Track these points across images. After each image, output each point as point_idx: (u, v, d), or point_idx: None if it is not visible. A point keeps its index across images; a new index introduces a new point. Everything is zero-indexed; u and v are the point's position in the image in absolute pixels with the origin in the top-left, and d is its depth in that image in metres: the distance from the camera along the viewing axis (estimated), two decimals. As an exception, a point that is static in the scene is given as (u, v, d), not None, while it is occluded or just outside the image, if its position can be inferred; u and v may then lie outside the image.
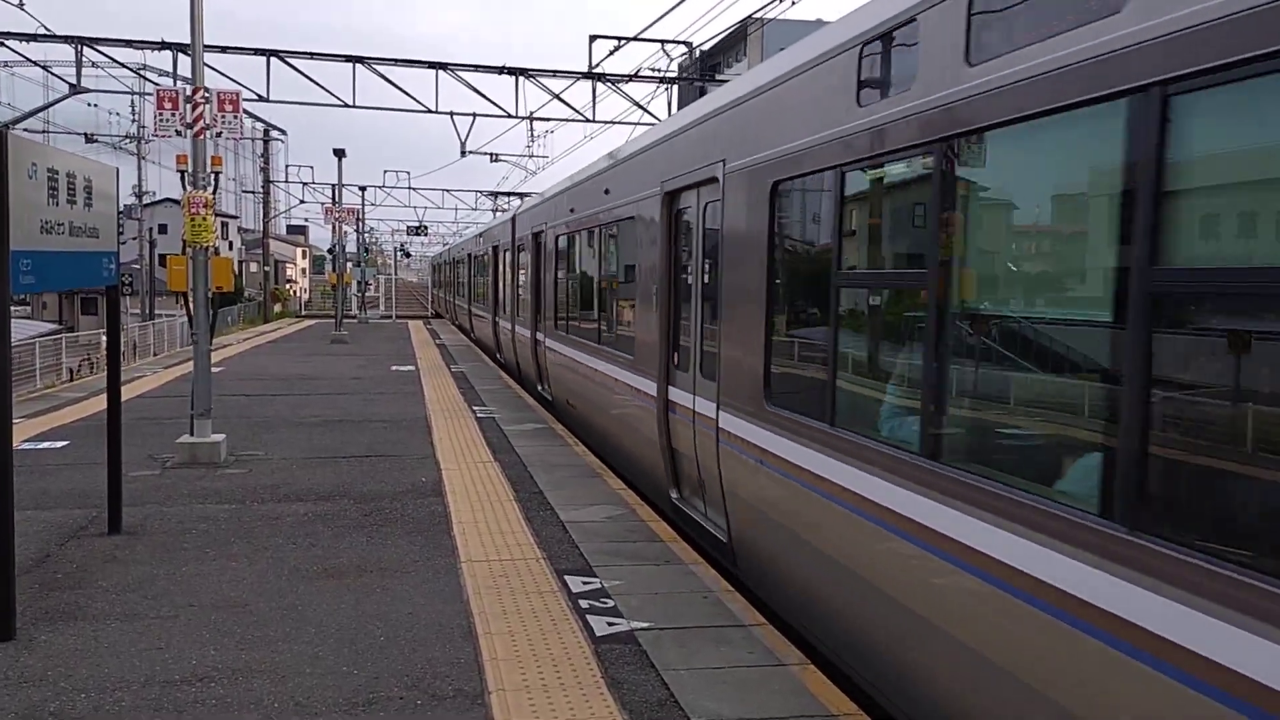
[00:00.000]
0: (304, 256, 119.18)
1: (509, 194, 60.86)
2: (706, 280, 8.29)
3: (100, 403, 15.60)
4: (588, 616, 6.43)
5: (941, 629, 4.56)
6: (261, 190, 54.60)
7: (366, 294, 54.27)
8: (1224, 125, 3.35)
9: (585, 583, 7.13)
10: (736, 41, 43.04)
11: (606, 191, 12.01)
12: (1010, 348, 4.48)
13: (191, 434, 11.62)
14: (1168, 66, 3.31)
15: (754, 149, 7.02)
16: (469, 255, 34.95)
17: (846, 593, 5.61)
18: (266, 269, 56.23)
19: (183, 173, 11.20)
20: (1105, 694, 3.55)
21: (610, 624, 6.29)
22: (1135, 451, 3.49)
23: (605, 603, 6.70)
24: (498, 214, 45.02)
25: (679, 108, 26.83)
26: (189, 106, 11.10)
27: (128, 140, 45.64)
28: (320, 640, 6.05)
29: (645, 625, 6.26)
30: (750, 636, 6.09)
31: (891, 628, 5.08)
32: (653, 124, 25.66)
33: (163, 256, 56.18)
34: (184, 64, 24.11)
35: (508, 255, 22.71)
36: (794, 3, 16.85)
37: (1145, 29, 3.41)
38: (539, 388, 17.67)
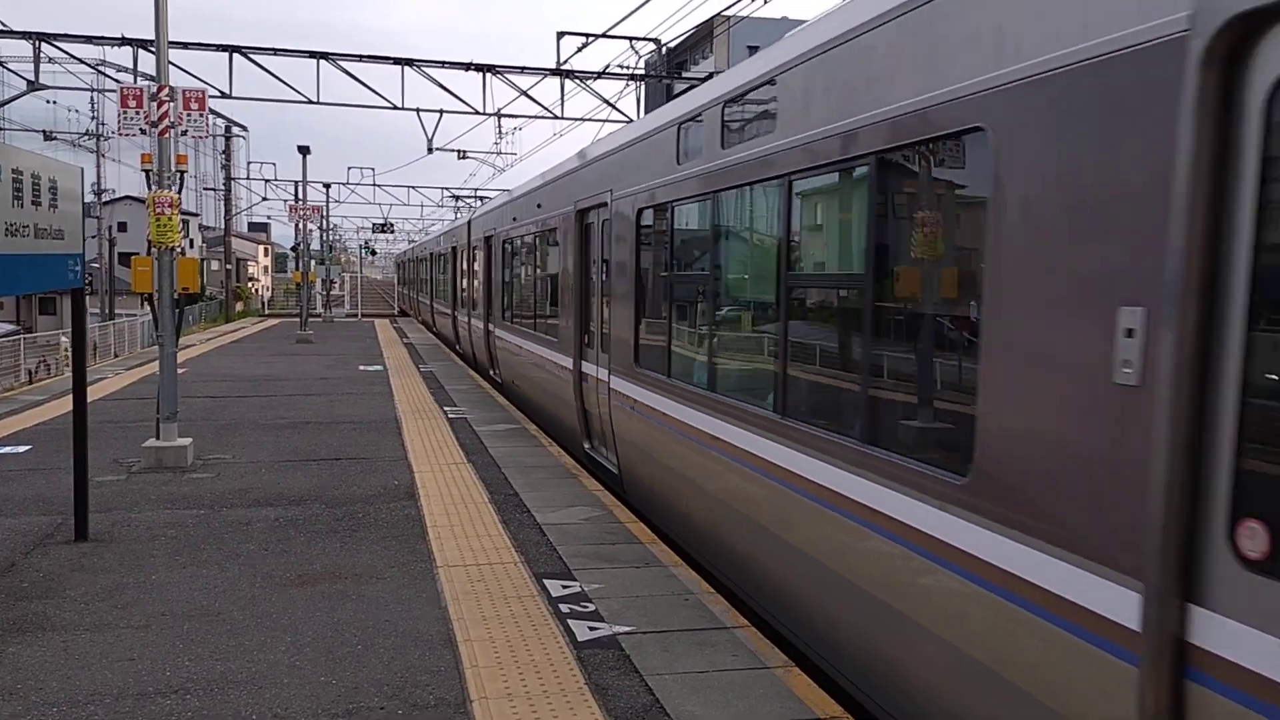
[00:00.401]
0: (266, 254, 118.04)
1: (474, 192, 60.63)
2: (603, 279, 10.73)
3: (62, 406, 15.34)
4: (569, 621, 6.36)
5: (755, 520, 6.60)
6: (223, 188, 53.98)
7: (331, 292, 53.79)
8: (814, 195, 6.19)
9: (565, 586, 7.06)
10: (703, 38, 43.06)
11: (539, 205, 14.50)
12: (736, 321, 7.46)
13: (157, 438, 11.43)
14: (791, 163, 6.03)
15: (627, 184, 9.66)
16: (431, 254, 37.42)
17: (695, 500, 7.83)
18: (228, 267, 55.61)
19: (147, 171, 10.99)
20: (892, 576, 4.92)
21: (592, 628, 6.23)
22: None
23: (586, 606, 6.64)
24: (459, 214, 46.57)
25: (647, 105, 26.78)
26: (154, 104, 10.90)
27: (87, 137, 44.94)
28: (297, 649, 5.94)
29: (627, 629, 6.20)
30: (734, 639, 6.05)
31: (725, 524, 7.21)
32: (621, 121, 25.65)
33: (123, 255, 55.46)
34: (144, 60, 23.85)
35: (464, 255, 25.15)
36: (765, 1, 16.82)
37: (781, 143, 6.14)
38: (490, 372, 20.28)
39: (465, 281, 24.95)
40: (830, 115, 5.52)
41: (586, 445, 11.59)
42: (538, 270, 14.93)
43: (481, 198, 55.68)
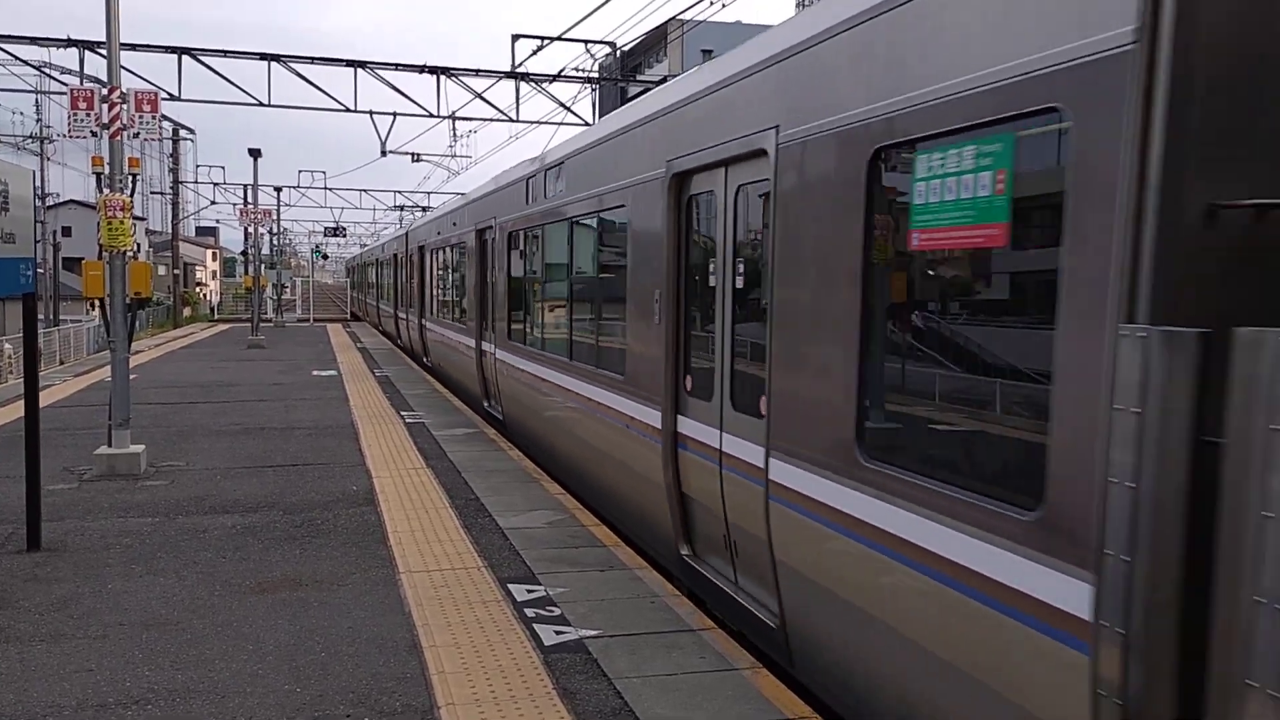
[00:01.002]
0: (214, 259, 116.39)
1: (428, 195, 60.33)
2: (494, 280, 14.62)
3: (7, 413, 15.04)
4: (534, 625, 6.34)
5: (569, 429, 10.39)
6: (170, 191, 53.15)
7: (283, 297, 53.17)
8: (591, 235, 9.88)
9: (530, 591, 7.03)
10: (658, 42, 43.17)
11: (454, 224, 18.82)
12: (556, 310, 11.26)
13: (109, 445, 11.24)
14: (573, 214, 10.20)
15: (503, 214, 13.93)
16: (378, 260, 41.96)
17: (542, 427, 11.74)
18: (176, 272, 54.76)
19: (98, 175, 10.81)
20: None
21: (558, 632, 6.21)
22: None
23: (551, 611, 6.62)
24: (402, 223, 49.76)
25: (603, 108, 26.78)
26: (105, 106, 10.71)
27: (30, 140, 44.09)
28: (259, 658, 5.87)
29: (594, 633, 6.19)
30: (700, 641, 6.06)
31: (558, 437, 10.93)
32: (577, 124, 25.63)
33: (67, 260, 54.45)
34: (91, 62, 23.41)
35: (404, 262, 28.97)
36: (724, 5, 16.89)
37: (567, 199, 10.56)
38: (424, 360, 24.03)
39: (405, 284, 29.16)
40: (584, 186, 9.74)
41: (485, 404, 15.52)
42: (455, 275, 19.13)
43: (425, 208, 55.95)
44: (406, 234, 29.04)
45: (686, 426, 7.14)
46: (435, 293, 22.03)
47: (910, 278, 4.70)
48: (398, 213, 64.30)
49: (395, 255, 32.41)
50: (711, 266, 6.73)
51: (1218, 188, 3.18)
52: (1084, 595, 3.35)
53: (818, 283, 5.18)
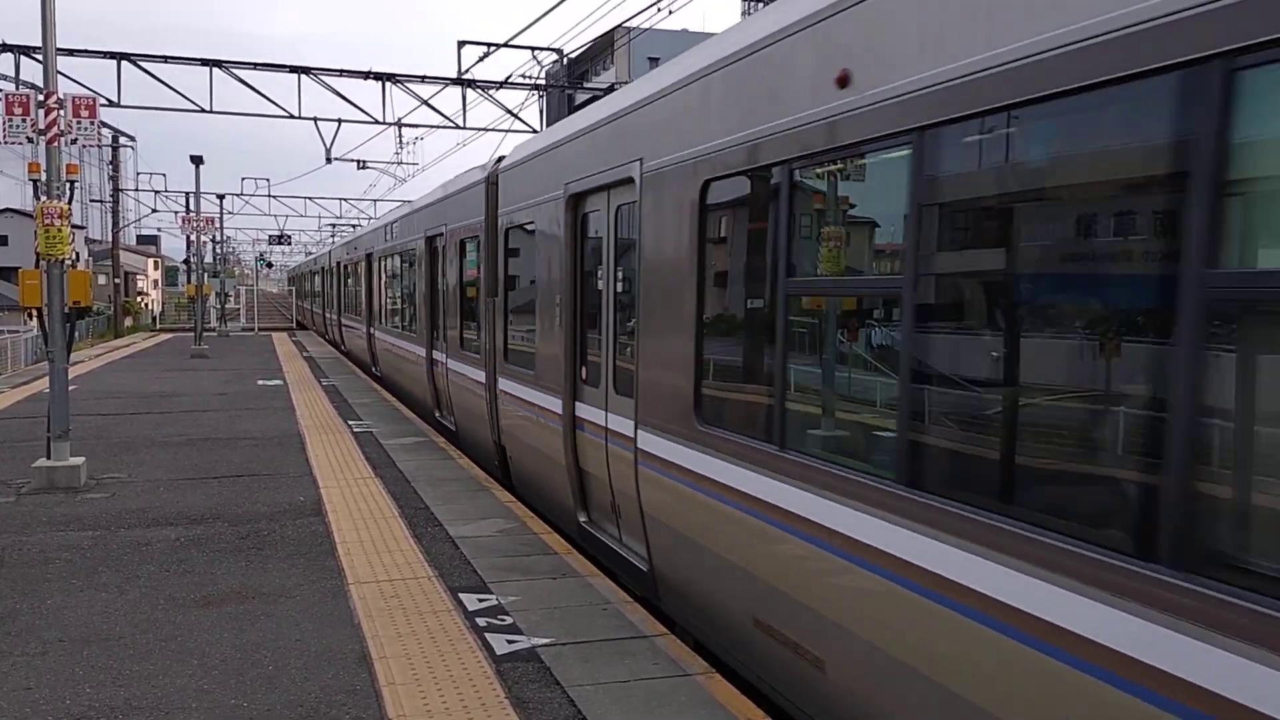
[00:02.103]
0: (156, 267, 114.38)
1: (373, 204, 59.83)
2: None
3: (-57, 426, 14.64)
4: (486, 635, 6.28)
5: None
6: (110, 199, 52.17)
7: (227, 306, 52.42)
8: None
9: (481, 600, 6.97)
10: (605, 49, 43.20)
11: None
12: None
13: (48, 457, 10.98)
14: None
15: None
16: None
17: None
18: (117, 281, 53.75)
19: (35, 181, 10.56)
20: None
21: (510, 641, 6.16)
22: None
23: (503, 620, 6.56)
24: (334, 239, 50.38)
25: (550, 115, 26.73)
26: (41, 112, 10.48)
27: (-37, 147, 43.03)
28: (204, 673, 5.75)
29: (546, 641, 6.15)
30: (654, 647, 6.04)
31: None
32: (526, 131, 25.56)
33: (3, 269, 53.18)
34: (28, 67, 22.94)
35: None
36: (672, 12, 16.90)
37: (398, 241, 19.39)
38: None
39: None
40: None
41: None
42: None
43: (360, 223, 55.93)
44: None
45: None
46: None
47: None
48: (355, 210, 63.85)
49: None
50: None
51: None
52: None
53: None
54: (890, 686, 4.34)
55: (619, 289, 7.70)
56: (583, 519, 8.62)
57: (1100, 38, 3.16)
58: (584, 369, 8.45)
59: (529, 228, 10.13)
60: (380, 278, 22.86)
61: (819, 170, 5.14)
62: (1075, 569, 3.29)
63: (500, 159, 11.90)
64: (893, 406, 4.42)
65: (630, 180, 7.08)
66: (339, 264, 33.29)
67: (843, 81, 4.57)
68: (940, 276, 4.31)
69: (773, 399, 5.36)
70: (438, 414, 15.48)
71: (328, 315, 39.94)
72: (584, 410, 8.36)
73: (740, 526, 5.62)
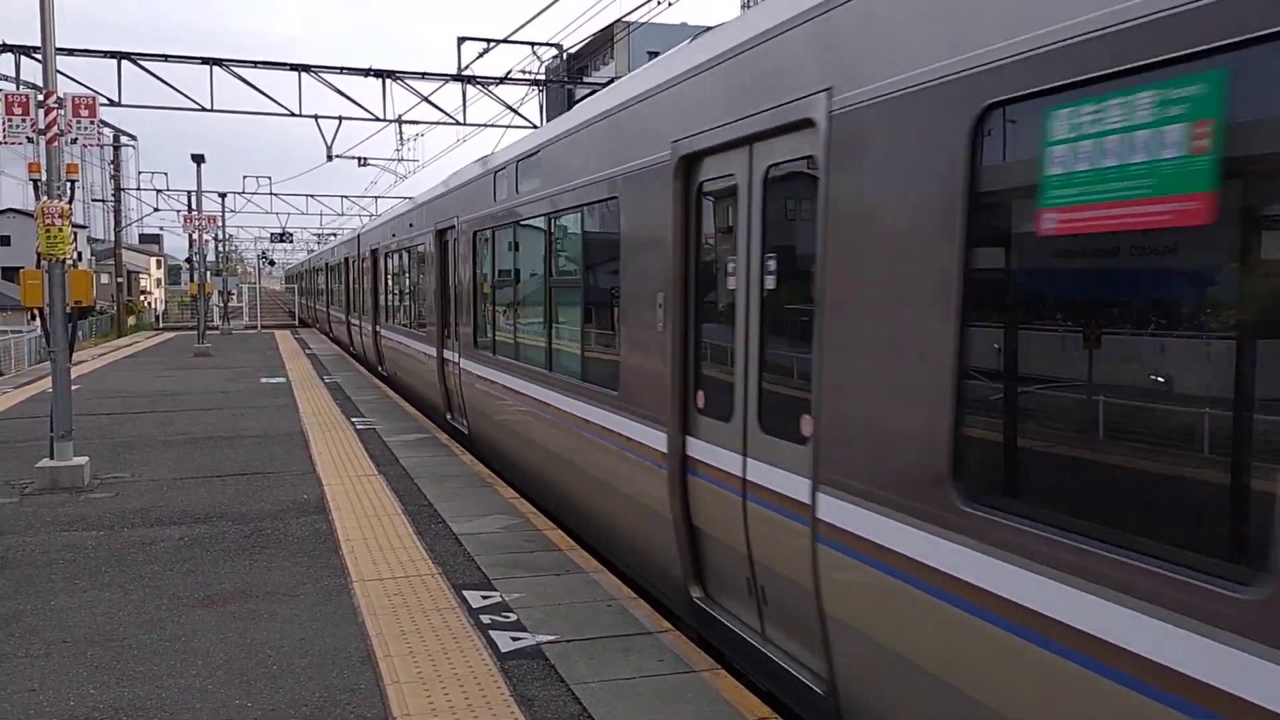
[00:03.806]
0: (159, 266, 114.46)
1: (374, 200, 59.79)
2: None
3: (-54, 427, 14.65)
4: (490, 632, 6.27)
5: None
6: (112, 198, 52.14)
7: (230, 304, 52.41)
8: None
9: (485, 597, 6.96)
10: (604, 44, 43.14)
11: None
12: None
13: (52, 457, 10.98)
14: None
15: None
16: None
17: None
18: (119, 280, 53.75)
19: (35, 181, 10.55)
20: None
21: (515, 639, 6.15)
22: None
23: (507, 617, 6.55)
24: (320, 245, 50.65)
25: (550, 111, 26.70)
26: (41, 111, 10.46)
27: (-36, 147, 43.03)
28: (209, 673, 5.75)
29: (551, 638, 6.14)
30: (658, 644, 6.03)
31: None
32: (526, 127, 25.54)
33: (6, 269, 53.20)
34: (28, 67, 22.91)
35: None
36: (671, 4, 16.90)
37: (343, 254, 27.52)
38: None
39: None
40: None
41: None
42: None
43: (329, 237, 55.96)
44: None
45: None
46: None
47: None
48: (357, 207, 63.86)
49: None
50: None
51: None
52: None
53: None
54: None
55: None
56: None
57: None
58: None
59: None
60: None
61: None
62: None
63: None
64: None
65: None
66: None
67: None
68: None
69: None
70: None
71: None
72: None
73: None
